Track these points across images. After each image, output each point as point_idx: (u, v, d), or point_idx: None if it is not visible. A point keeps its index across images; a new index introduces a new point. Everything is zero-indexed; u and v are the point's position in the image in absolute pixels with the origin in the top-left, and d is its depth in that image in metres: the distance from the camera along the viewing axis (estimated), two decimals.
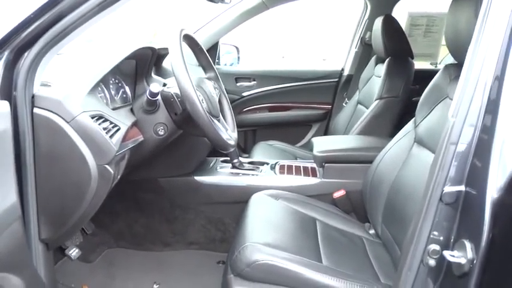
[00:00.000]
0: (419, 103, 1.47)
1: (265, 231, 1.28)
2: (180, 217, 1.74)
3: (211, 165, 1.81)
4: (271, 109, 2.71)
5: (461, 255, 0.78)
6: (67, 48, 0.96)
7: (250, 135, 2.75)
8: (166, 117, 1.24)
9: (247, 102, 2.68)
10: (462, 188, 0.82)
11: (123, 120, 1.12)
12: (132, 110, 1.24)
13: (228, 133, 1.36)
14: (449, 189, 0.83)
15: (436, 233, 0.87)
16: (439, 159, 0.85)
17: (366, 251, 1.39)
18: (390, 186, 1.41)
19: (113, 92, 1.29)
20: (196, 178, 1.69)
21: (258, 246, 1.17)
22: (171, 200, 1.71)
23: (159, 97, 1.21)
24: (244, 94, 2.67)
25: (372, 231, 1.54)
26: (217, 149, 1.28)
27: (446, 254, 0.80)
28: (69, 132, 0.90)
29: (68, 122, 0.91)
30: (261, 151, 2.29)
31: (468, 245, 0.78)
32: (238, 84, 2.68)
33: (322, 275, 1.11)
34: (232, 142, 1.31)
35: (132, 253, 1.73)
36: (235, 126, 1.52)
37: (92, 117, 0.96)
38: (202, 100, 1.22)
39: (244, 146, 2.75)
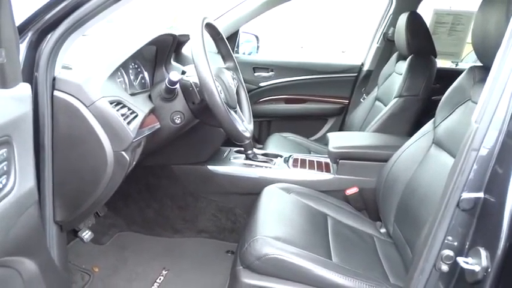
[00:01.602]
0: (440, 103, 1.44)
1: (276, 225, 1.28)
2: (191, 205, 1.75)
3: (225, 155, 1.82)
4: (287, 101, 2.69)
5: (476, 263, 0.77)
6: (89, 29, 0.96)
7: (265, 126, 2.74)
8: (184, 105, 1.24)
9: (264, 93, 2.66)
10: (481, 195, 0.81)
11: (141, 107, 1.12)
12: (150, 96, 1.24)
13: (244, 125, 1.36)
14: (467, 195, 0.82)
15: (450, 238, 0.85)
16: (459, 165, 0.83)
17: (376, 250, 1.39)
18: (405, 186, 1.40)
19: (132, 77, 1.29)
20: (210, 167, 1.70)
21: (268, 239, 1.17)
22: (184, 187, 1.72)
23: (177, 85, 1.21)
24: (262, 84, 2.66)
25: (383, 230, 1.53)
26: (233, 140, 1.28)
27: (460, 260, 0.79)
28: (87, 117, 0.91)
29: (87, 107, 0.91)
30: (275, 143, 2.28)
31: (483, 252, 0.76)
32: (256, 74, 2.66)
33: (331, 272, 1.10)
34: (247, 134, 1.31)
35: (142, 238, 1.75)
36: (252, 118, 1.51)
37: (111, 103, 0.97)
38: (220, 91, 1.21)
39: (259, 137, 2.74)
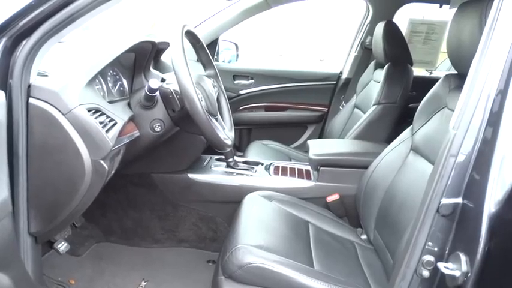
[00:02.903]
0: (417, 111, 1.47)
1: (257, 233, 1.27)
2: (171, 214, 1.73)
3: (205, 163, 1.80)
4: (267, 108, 2.69)
5: (456, 268, 0.78)
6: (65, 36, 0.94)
7: (245, 133, 2.74)
8: (164, 113, 1.22)
9: (244, 101, 2.66)
10: (459, 200, 0.82)
11: (120, 114, 1.10)
12: (129, 104, 1.22)
13: (225, 132, 1.35)
14: (446, 201, 0.83)
15: (431, 243, 0.86)
16: (438, 171, 0.84)
17: (358, 257, 1.39)
18: (384, 193, 1.41)
19: (110, 84, 1.27)
20: (190, 175, 1.68)
21: (250, 248, 1.16)
22: (163, 196, 1.70)
23: (157, 93, 1.20)
24: (242, 92, 2.66)
25: (363, 237, 1.54)
26: (214, 148, 1.27)
27: (441, 265, 0.80)
28: (64, 125, 0.88)
29: (64, 115, 0.89)
30: (256, 151, 2.28)
31: (463, 257, 0.77)
32: (235, 81, 2.66)
33: (313, 280, 1.10)
34: (229, 142, 1.30)
35: (121, 248, 1.71)
36: (233, 126, 1.50)
37: (89, 111, 0.94)
38: (201, 98, 1.20)
39: (239, 145, 2.73)
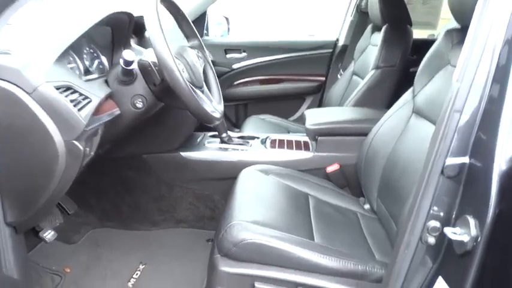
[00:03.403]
0: (418, 71, 1.39)
1: (253, 208, 1.21)
2: (167, 195, 1.67)
3: (198, 140, 1.73)
4: (262, 82, 2.60)
5: (464, 233, 0.72)
6: (27, 10, 0.85)
7: (242, 109, 2.66)
8: (145, 88, 1.14)
9: (238, 75, 2.57)
10: (466, 159, 0.75)
11: (96, 92, 1.02)
12: (107, 81, 1.14)
13: (213, 105, 1.27)
14: (451, 161, 0.76)
15: (436, 208, 0.80)
16: (442, 129, 0.77)
17: (361, 227, 1.34)
18: (386, 160, 1.34)
19: (87, 63, 1.18)
20: (183, 154, 1.61)
21: (245, 224, 1.10)
22: (158, 177, 1.64)
23: (135, 66, 1.11)
24: (235, 66, 2.56)
25: (366, 206, 1.48)
26: (202, 122, 1.19)
27: (447, 231, 0.74)
28: (30, 105, 0.81)
29: (29, 94, 0.81)
30: (252, 125, 2.21)
31: (472, 221, 0.71)
32: (228, 56, 2.56)
33: (313, 253, 1.04)
34: (217, 115, 1.22)
35: (118, 233, 1.66)
36: (221, 98, 1.42)
37: (58, 88, 0.87)
38: (182, 69, 1.12)
39: (236, 121, 2.66)
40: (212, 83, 1.41)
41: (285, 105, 2.63)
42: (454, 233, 0.73)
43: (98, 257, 1.50)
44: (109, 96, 1.11)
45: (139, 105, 1.14)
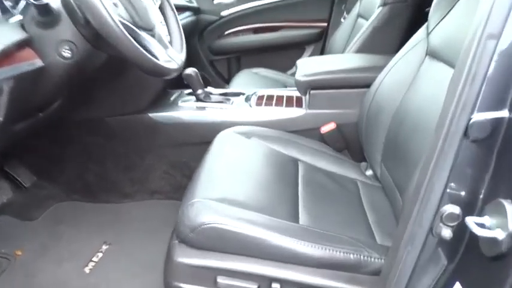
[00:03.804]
0: (433, 2, 1.09)
1: (223, 182, 0.97)
2: (138, 163, 1.45)
3: (172, 98, 1.48)
4: (256, 31, 2.31)
5: (497, 225, 0.47)
6: None
7: (234, 63, 2.38)
8: (73, 31, 0.88)
9: (228, 24, 2.28)
10: (504, 114, 0.49)
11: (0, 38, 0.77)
12: (23, 25, 0.88)
13: (169, 53, 1.00)
14: (480, 116, 0.50)
15: (454, 186, 0.55)
16: (465, 69, 0.51)
17: (360, 199, 1.10)
18: (393, 115, 1.08)
19: (8, 2, 0.92)
20: (152, 115, 1.37)
21: (208, 203, 0.87)
22: (124, 143, 1.41)
23: (54, 3, 0.85)
24: (224, 14, 2.26)
25: (369, 173, 1.24)
26: (150, 75, 0.94)
27: (471, 221, 0.49)
28: None
29: None
30: (243, 80, 1.95)
31: (510, 208, 0.46)
32: (215, 1, 2.25)
33: (292, 240, 0.81)
34: (173, 65, 0.96)
35: (85, 207, 1.46)
36: (184, 44, 1.15)
37: None
38: (115, 3, 0.85)
39: (228, 77, 2.38)
40: (172, 25, 1.12)
41: (282, 57, 2.33)
42: (481, 225, 0.48)
43: (58, 236, 1.30)
44: (26, 44, 0.85)
45: (67, 54, 0.88)
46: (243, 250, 0.82)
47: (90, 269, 1.16)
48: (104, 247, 1.25)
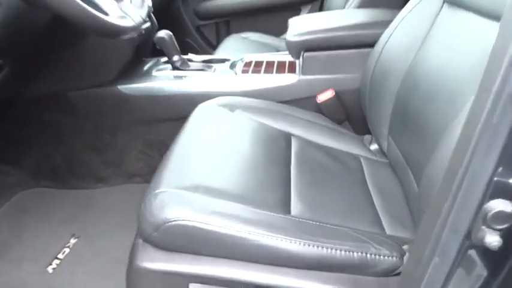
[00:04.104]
0: None
1: (198, 166, 0.80)
2: (110, 143, 1.28)
3: (145, 68, 1.29)
4: None
5: None
6: None
7: (223, 28, 2.17)
8: None
9: None
10: None
11: None
12: None
13: (124, 9, 0.81)
14: None
15: (506, 172, 0.38)
16: None
17: (364, 179, 0.94)
18: (402, 79, 0.92)
19: None
20: (121, 88, 1.19)
21: (175, 193, 0.70)
22: (92, 120, 1.24)
23: None
24: None
25: (373, 147, 1.07)
26: (98, 35, 0.75)
27: None
28: None
29: None
30: (231, 46, 1.75)
31: None
32: None
33: (282, 239, 0.65)
34: (128, 22, 0.77)
35: (55, 194, 1.30)
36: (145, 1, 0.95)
37: None
38: None
39: (217, 43, 2.17)
40: None
41: (275, 20, 2.10)
42: None
43: (21, 231, 1.14)
44: None
45: None
46: (220, 251, 0.66)
47: (54, 268, 1.00)
48: (72, 241, 1.09)
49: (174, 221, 0.64)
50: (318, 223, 0.70)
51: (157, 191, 0.71)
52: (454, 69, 0.72)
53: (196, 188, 0.72)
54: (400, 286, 0.49)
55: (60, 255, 1.05)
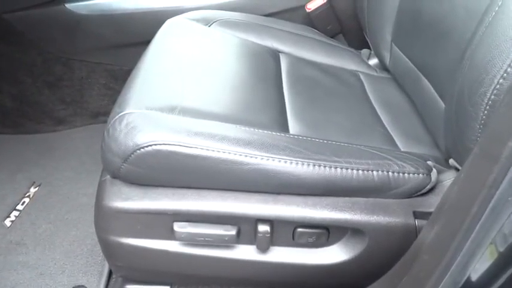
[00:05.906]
0: None
1: (171, 84, 0.65)
2: (65, 76, 1.09)
3: None
4: None
5: None
6: None
7: None
8: None
9: None
10: None
11: None
12: None
13: None
14: None
15: None
16: None
17: (367, 95, 0.82)
18: None
19: None
20: (70, 6, 0.98)
21: (144, 114, 0.55)
22: (40, 49, 1.04)
23: None
24: None
25: (373, 61, 0.94)
26: None
27: None
28: None
29: None
30: None
31: None
32: None
33: (284, 160, 0.52)
34: None
35: (8, 140, 1.12)
36: None
37: None
38: None
39: None
40: None
41: None
42: None
43: None
44: None
45: None
46: (210, 181, 0.53)
47: (12, 221, 0.86)
48: (32, 190, 0.94)
49: (148, 146, 0.50)
50: (326, 141, 0.58)
51: (122, 114, 0.55)
52: None
53: (172, 109, 0.57)
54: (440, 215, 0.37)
55: (19, 206, 0.89)
